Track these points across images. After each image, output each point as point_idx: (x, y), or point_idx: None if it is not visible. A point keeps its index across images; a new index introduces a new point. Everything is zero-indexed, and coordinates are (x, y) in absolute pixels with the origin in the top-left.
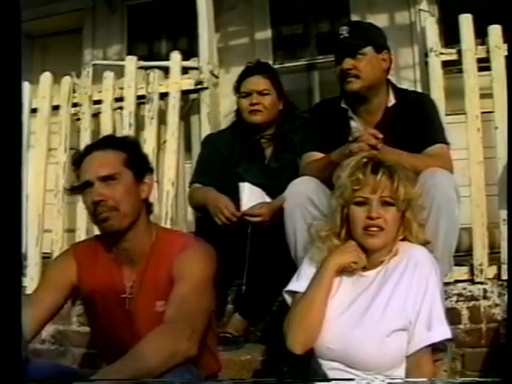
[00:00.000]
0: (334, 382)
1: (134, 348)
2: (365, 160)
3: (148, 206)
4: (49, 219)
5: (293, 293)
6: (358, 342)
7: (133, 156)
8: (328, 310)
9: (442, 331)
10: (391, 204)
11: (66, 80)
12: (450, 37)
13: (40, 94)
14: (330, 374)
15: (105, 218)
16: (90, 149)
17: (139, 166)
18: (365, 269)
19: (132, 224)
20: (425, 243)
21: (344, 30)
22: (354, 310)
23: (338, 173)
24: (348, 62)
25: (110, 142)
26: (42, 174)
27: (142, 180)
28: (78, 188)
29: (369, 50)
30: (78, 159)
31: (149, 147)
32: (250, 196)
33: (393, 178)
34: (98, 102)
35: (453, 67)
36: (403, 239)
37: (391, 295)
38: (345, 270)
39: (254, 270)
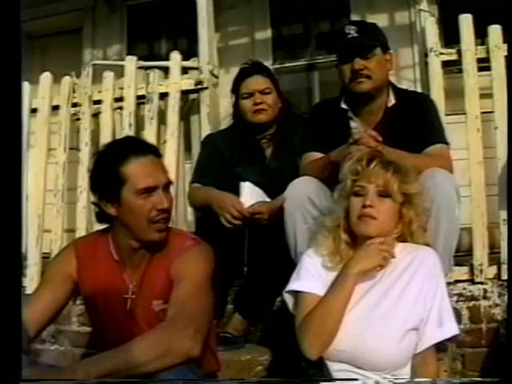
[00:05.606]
0: (339, 382)
1: (130, 341)
2: (364, 154)
3: None
4: (48, 219)
5: (295, 292)
6: (372, 343)
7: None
8: None
9: (452, 327)
10: (387, 195)
11: (66, 80)
12: (450, 37)
13: (40, 94)
14: (338, 375)
15: (164, 228)
16: (143, 150)
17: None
18: None
19: None
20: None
21: (352, 30)
22: (362, 309)
23: (342, 166)
24: (359, 63)
25: (156, 151)
26: (42, 174)
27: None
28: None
29: (378, 50)
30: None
31: None
32: (251, 195)
33: (386, 168)
34: (98, 102)
35: (453, 67)
36: (404, 241)
37: (402, 294)
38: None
39: (253, 269)
